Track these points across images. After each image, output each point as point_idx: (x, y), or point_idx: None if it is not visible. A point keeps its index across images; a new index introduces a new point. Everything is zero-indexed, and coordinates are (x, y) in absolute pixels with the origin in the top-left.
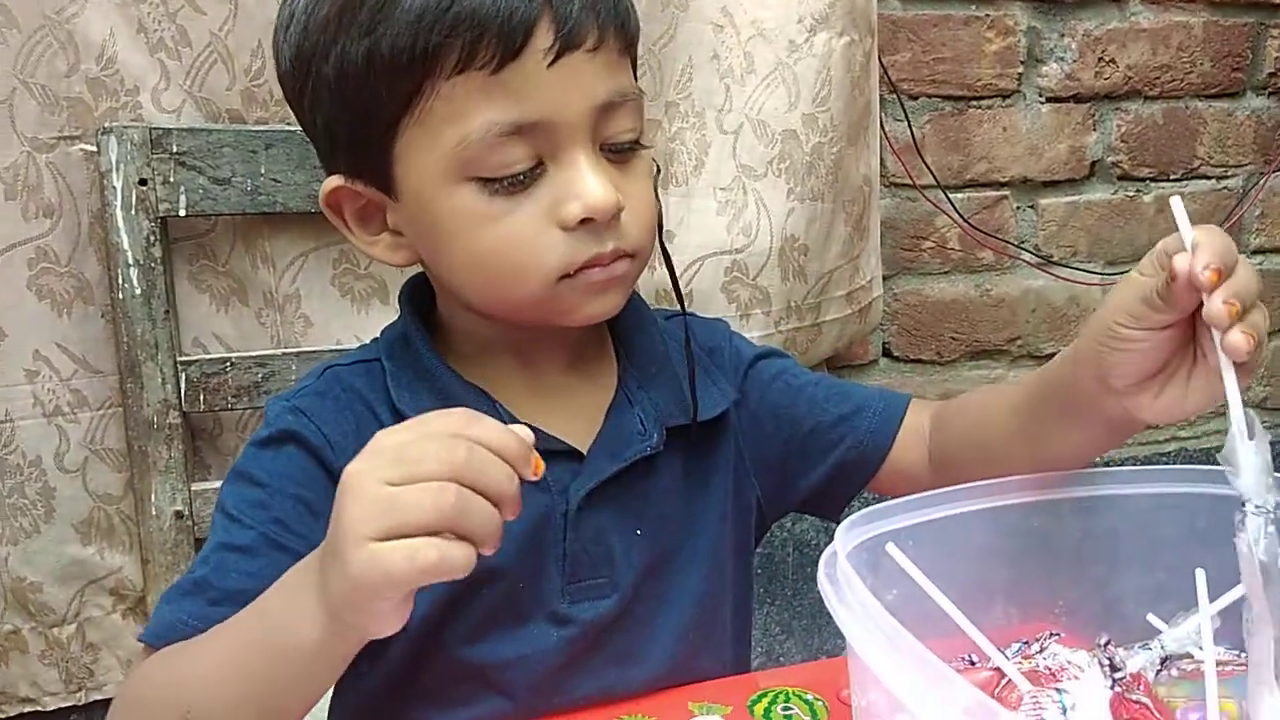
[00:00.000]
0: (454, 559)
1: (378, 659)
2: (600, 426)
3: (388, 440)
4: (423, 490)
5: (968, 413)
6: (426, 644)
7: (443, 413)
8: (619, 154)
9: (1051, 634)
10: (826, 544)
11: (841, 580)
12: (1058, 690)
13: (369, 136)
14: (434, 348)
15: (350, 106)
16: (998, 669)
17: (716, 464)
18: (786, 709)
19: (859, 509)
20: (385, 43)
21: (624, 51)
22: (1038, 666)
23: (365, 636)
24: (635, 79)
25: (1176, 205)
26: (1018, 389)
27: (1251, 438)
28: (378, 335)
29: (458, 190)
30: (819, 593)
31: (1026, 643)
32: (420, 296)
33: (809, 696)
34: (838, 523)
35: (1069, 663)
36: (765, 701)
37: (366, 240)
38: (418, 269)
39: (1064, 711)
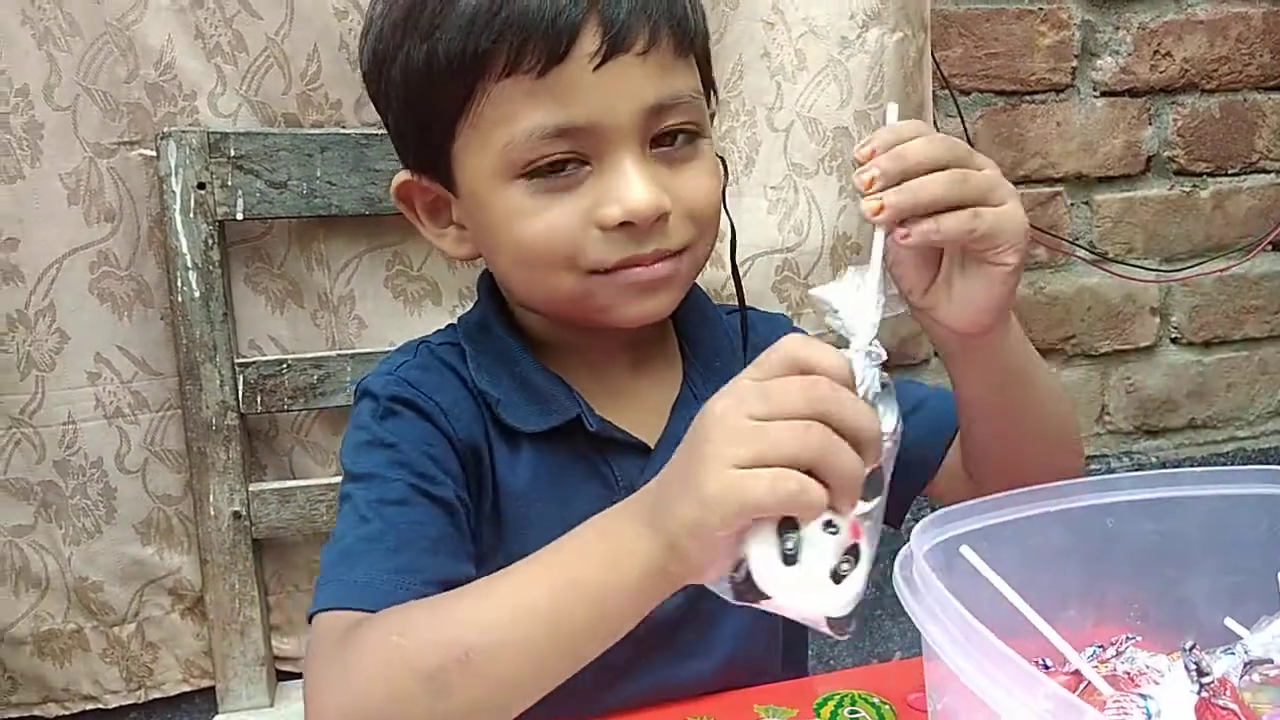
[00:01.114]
0: (813, 494)
1: None
2: (666, 422)
3: (748, 379)
4: (789, 426)
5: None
6: None
7: (794, 346)
8: (674, 148)
9: (1129, 638)
10: (879, 545)
11: (918, 581)
12: (1141, 696)
13: (431, 136)
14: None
15: (414, 108)
16: (1075, 673)
17: None
18: (853, 712)
19: (924, 514)
20: (441, 47)
21: (681, 52)
22: (1115, 671)
23: (686, 578)
24: (706, 75)
25: (890, 110)
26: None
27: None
28: (454, 322)
29: (507, 188)
30: (869, 594)
31: (1102, 646)
32: (496, 288)
33: (875, 700)
34: (897, 529)
35: (1148, 667)
36: (831, 705)
37: (435, 232)
38: (469, 269)
39: (1149, 716)
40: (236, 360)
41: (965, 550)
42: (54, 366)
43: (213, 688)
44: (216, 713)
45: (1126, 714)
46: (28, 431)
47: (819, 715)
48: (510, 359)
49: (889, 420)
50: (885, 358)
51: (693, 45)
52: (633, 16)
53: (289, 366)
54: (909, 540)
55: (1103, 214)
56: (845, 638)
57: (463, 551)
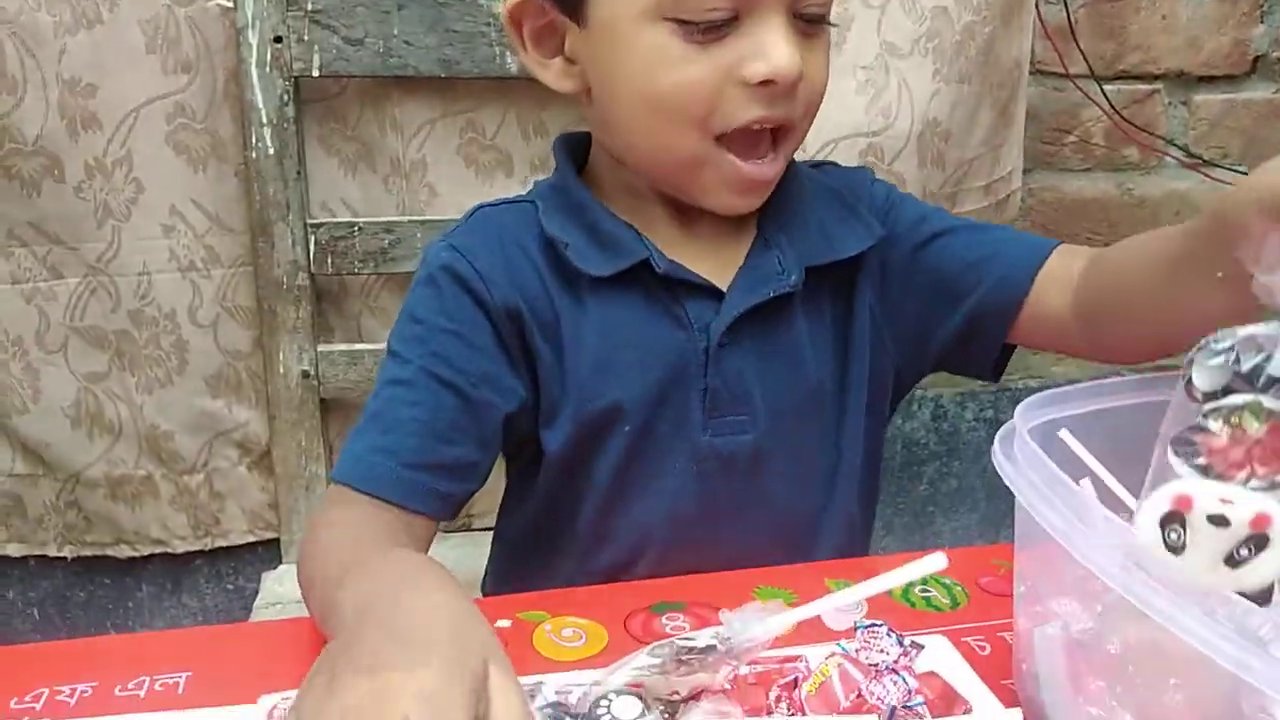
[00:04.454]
0: None
1: (527, 497)
2: (739, 267)
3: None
4: None
5: (1115, 260)
6: (571, 482)
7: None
8: (809, 24)
9: None
10: (936, 443)
11: (1020, 456)
12: None
13: None
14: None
15: None
16: None
17: (857, 312)
18: (925, 590)
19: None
20: None
21: None
22: None
23: None
24: None
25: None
26: (1166, 241)
27: None
28: (530, 188)
29: (652, 28)
30: (922, 491)
31: None
32: (574, 150)
33: (947, 581)
34: (994, 379)
35: None
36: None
37: (538, 61)
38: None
39: None
40: (308, 221)
41: (1064, 434)
42: (130, 216)
43: (277, 540)
44: (280, 563)
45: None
46: (103, 280)
47: (890, 591)
48: (582, 209)
49: None
50: None
51: None
52: None
53: (360, 230)
54: (997, 397)
55: (1200, 115)
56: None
57: (464, 436)
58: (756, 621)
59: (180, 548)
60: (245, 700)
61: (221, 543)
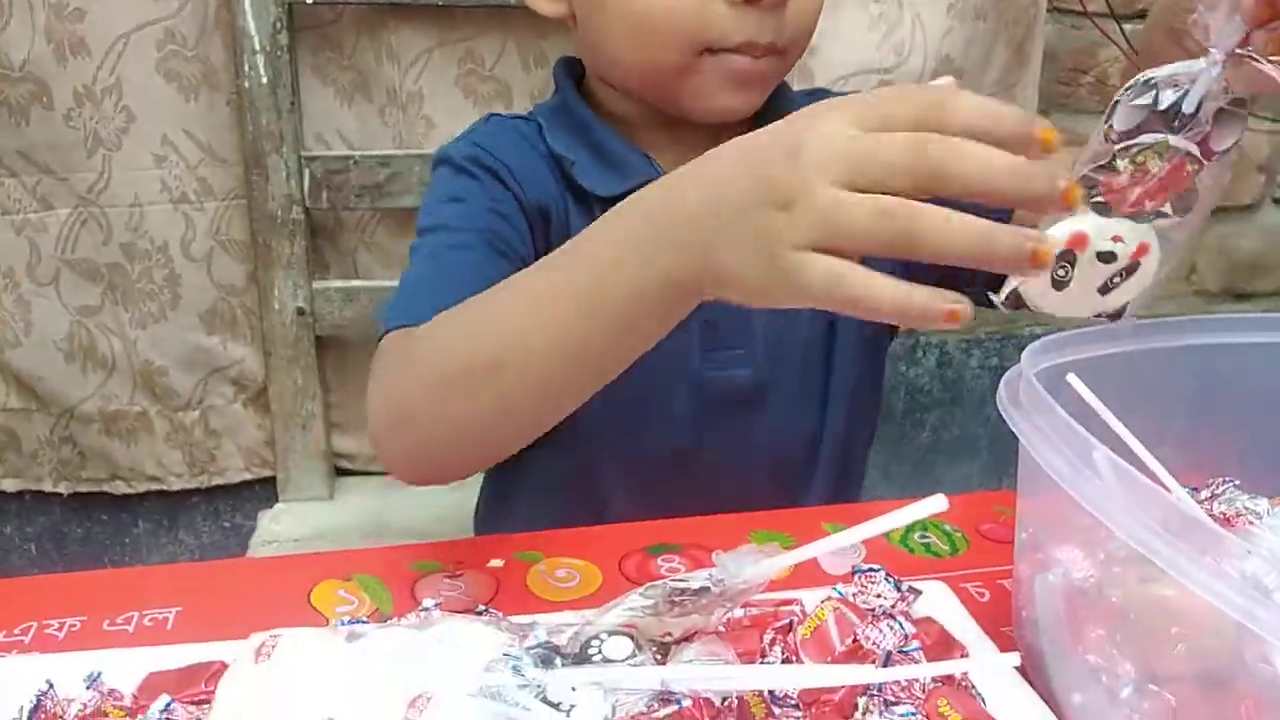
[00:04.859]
0: (923, 224)
1: None
2: None
3: (852, 98)
4: (900, 136)
5: None
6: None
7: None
8: None
9: (1226, 480)
10: (940, 391)
11: (1025, 400)
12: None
13: None
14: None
15: None
16: None
17: None
18: (924, 537)
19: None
20: None
21: None
22: (1213, 512)
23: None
24: None
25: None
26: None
27: None
28: (530, 109)
29: None
30: (925, 439)
31: (1195, 489)
32: (574, 74)
33: (947, 527)
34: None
35: (1246, 509)
36: (901, 529)
37: None
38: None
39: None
40: (303, 153)
41: (1071, 378)
42: (120, 146)
43: (273, 478)
44: (276, 502)
45: (1252, 529)
46: (94, 211)
47: (889, 537)
48: (586, 129)
49: (1224, 138)
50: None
51: None
52: None
53: (356, 163)
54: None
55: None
56: (1120, 324)
57: None
58: (750, 564)
59: (176, 485)
60: (235, 636)
61: (218, 480)
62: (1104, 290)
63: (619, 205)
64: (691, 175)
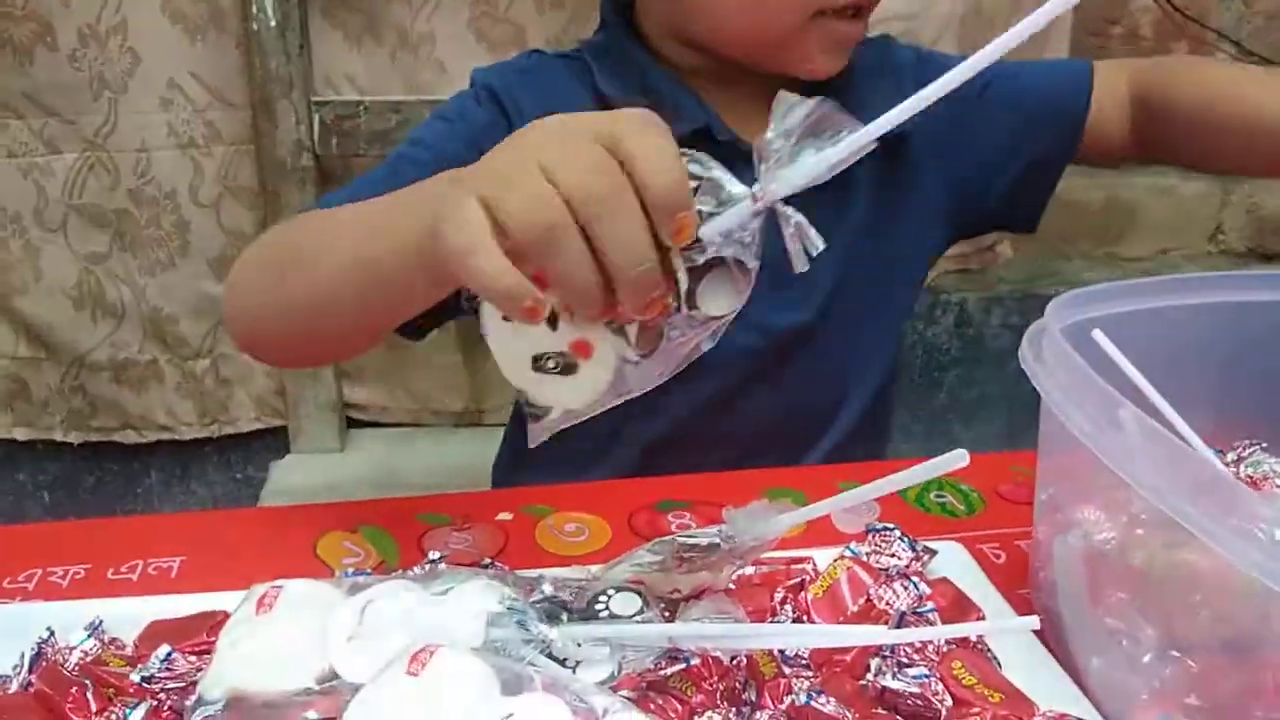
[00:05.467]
0: (508, 290)
1: None
2: None
3: (557, 120)
4: (534, 199)
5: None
6: None
7: (625, 114)
8: None
9: (1252, 443)
10: (959, 350)
11: (1049, 355)
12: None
13: None
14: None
15: None
16: None
17: (907, 191)
18: (940, 496)
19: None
20: None
21: None
22: (1240, 474)
23: (439, 266)
24: None
25: None
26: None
27: None
28: (577, 44)
29: None
30: (942, 399)
31: (1221, 451)
32: (620, 10)
33: (964, 487)
34: (1033, 230)
35: (1273, 471)
36: (918, 486)
37: None
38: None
39: None
40: (312, 98)
41: (1097, 334)
42: (127, 89)
43: (284, 428)
44: (288, 452)
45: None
46: (101, 156)
47: (905, 496)
48: (641, 72)
49: (718, 303)
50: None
51: None
52: None
53: (366, 109)
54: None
55: (1258, 8)
56: (535, 434)
57: None
58: (761, 520)
59: (187, 434)
60: (240, 586)
61: (229, 430)
62: (537, 364)
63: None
64: (508, 143)
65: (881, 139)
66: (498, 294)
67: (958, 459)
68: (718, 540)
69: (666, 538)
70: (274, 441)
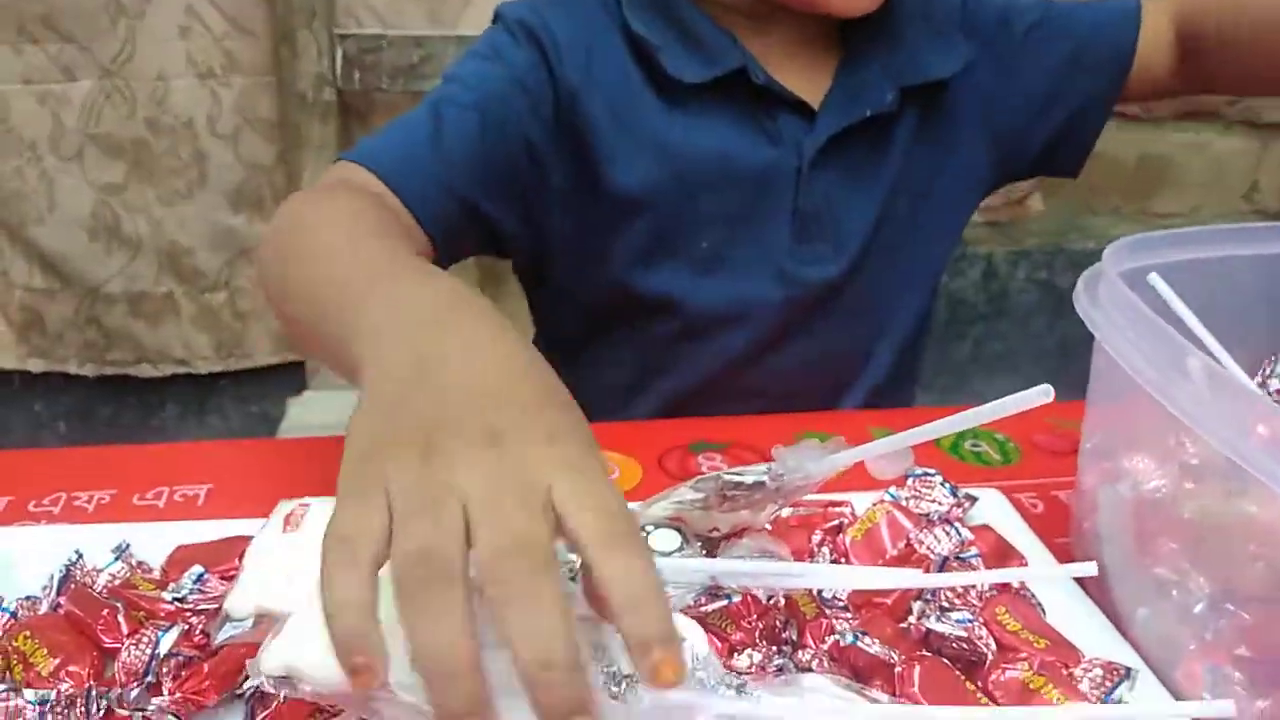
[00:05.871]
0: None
1: (583, 317)
2: (831, 82)
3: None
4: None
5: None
6: (625, 280)
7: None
8: None
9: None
10: (984, 304)
11: (1106, 299)
12: None
13: None
14: None
15: None
16: None
17: (949, 137)
18: (975, 445)
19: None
20: None
21: None
22: (1269, 389)
23: None
24: None
25: None
26: None
27: None
28: None
29: None
30: (966, 352)
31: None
32: None
33: (1000, 436)
34: (1076, 175)
35: None
36: (952, 436)
37: None
38: None
39: None
40: (335, 30)
41: (1153, 278)
42: (144, 15)
43: (301, 364)
44: (305, 389)
45: None
46: (119, 83)
47: (939, 444)
48: (673, 7)
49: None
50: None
51: None
52: None
53: (389, 43)
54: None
55: None
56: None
57: (473, 179)
58: (813, 459)
59: (203, 368)
60: (266, 515)
61: (246, 364)
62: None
63: (443, 302)
64: (455, 356)
65: (915, 90)
66: (332, 628)
67: (1042, 394)
68: (765, 479)
69: (711, 474)
70: (291, 378)
